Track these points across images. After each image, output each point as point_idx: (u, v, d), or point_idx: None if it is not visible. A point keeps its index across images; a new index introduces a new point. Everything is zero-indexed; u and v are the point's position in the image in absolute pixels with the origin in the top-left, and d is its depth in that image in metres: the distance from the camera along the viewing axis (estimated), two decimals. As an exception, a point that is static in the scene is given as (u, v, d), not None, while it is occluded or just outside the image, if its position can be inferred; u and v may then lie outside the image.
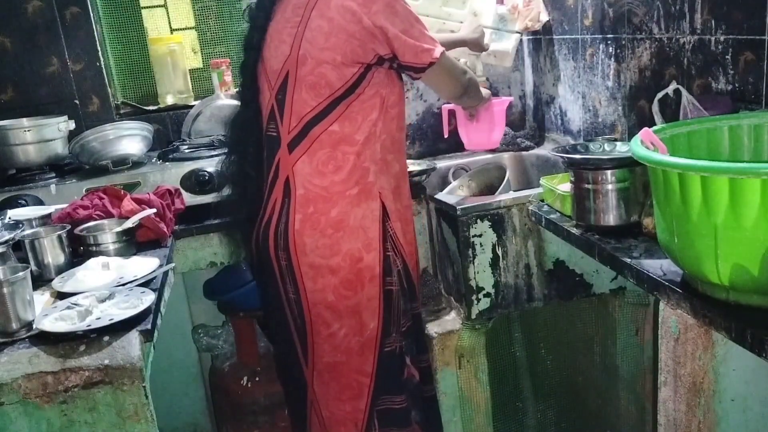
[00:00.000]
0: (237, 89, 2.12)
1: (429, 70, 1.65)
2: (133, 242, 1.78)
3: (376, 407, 1.73)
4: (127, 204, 1.84)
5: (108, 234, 1.74)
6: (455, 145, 2.74)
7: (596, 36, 2.18)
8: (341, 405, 1.74)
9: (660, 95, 1.66)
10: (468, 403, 2.10)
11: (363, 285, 1.67)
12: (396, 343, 1.73)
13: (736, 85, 1.61)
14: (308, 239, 1.65)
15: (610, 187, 1.53)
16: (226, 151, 1.95)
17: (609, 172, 1.52)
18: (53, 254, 1.64)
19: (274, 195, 1.71)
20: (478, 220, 1.89)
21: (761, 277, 1.03)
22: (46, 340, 1.28)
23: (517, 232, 1.92)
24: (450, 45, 2.11)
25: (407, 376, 1.78)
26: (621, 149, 1.59)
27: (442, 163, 2.50)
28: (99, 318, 1.32)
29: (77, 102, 2.58)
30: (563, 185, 1.74)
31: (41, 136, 2.28)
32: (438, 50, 1.65)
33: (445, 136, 2.22)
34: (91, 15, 2.56)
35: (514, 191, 2.05)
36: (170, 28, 2.79)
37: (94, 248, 1.71)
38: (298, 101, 1.64)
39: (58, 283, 1.54)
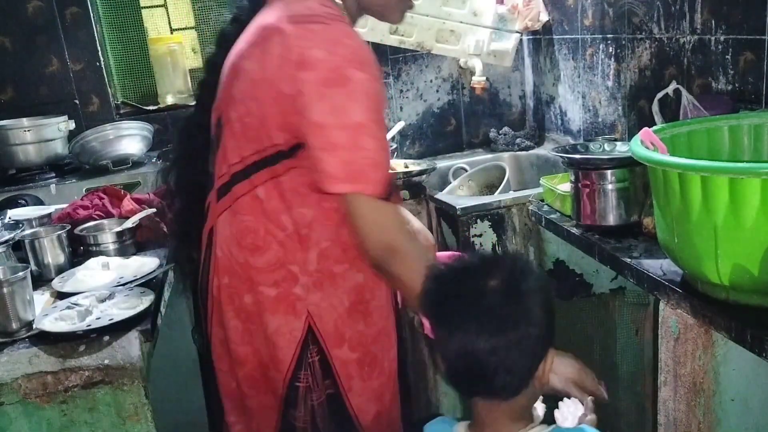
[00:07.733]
0: None
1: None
2: (133, 242, 1.78)
3: None
4: (127, 204, 1.84)
5: (108, 234, 1.73)
6: (455, 145, 2.75)
7: (596, 36, 2.18)
8: None
9: (660, 95, 1.66)
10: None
11: (264, 391, 1.34)
12: None
13: (736, 85, 1.60)
14: (226, 309, 1.33)
15: (610, 187, 1.53)
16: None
17: (609, 172, 1.52)
18: (53, 254, 1.64)
19: (203, 239, 1.38)
20: (478, 220, 1.89)
21: (761, 277, 1.03)
22: (46, 340, 1.28)
23: (517, 232, 1.92)
24: None
25: None
26: (621, 149, 1.59)
27: (442, 163, 2.50)
28: (99, 318, 1.32)
29: (77, 102, 2.58)
30: (563, 185, 1.74)
31: (41, 136, 2.29)
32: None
33: None
34: (91, 15, 2.56)
35: (514, 191, 2.04)
36: (170, 28, 2.79)
37: (94, 248, 1.71)
38: (231, 146, 1.28)
39: (58, 283, 1.53)
